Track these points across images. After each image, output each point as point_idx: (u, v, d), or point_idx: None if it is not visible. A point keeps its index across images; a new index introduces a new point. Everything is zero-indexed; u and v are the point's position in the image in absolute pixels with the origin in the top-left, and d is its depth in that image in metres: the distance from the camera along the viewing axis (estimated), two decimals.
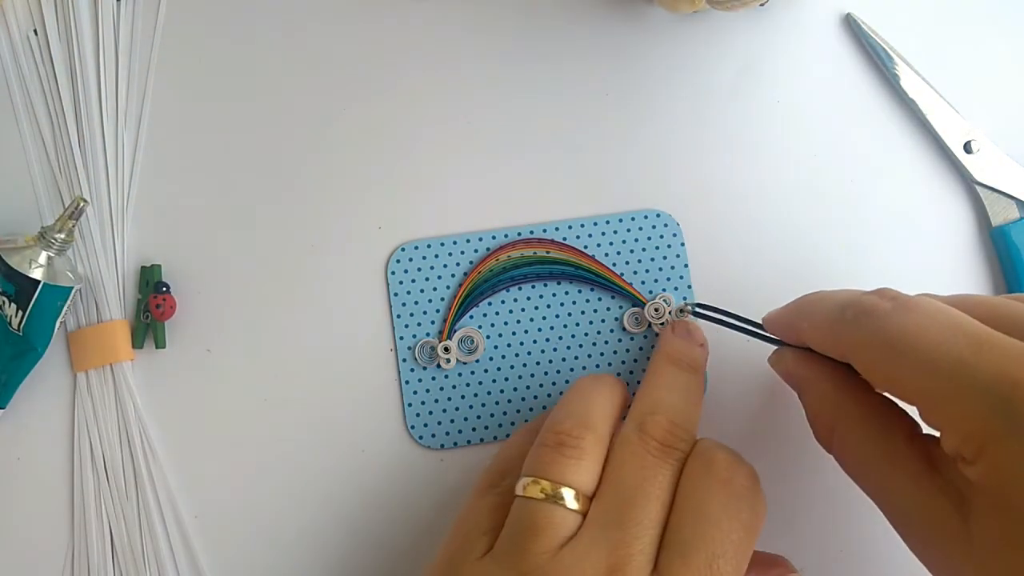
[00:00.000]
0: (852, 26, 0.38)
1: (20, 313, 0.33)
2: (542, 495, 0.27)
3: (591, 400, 0.30)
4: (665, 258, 0.36)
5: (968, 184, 0.37)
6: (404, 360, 0.35)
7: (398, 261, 0.36)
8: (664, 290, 0.36)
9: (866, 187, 0.37)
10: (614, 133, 0.37)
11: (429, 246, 0.36)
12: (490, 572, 0.27)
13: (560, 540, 0.27)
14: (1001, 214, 0.36)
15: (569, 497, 0.27)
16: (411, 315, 0.35)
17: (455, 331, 0.35)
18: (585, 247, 0.36)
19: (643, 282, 0.36)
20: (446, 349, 0.35)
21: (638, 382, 0.35)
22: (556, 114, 0.37)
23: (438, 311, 0.35)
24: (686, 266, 0.36)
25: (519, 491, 0.28)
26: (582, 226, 0.36)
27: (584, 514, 0.27)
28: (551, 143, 0.37)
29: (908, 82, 0.37)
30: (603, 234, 0.36)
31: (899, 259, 0.37)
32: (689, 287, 0.36)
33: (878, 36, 0.37)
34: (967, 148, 0.37)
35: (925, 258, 0.37)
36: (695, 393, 0.31)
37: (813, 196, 0.37)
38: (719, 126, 0.37)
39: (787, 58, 0.38)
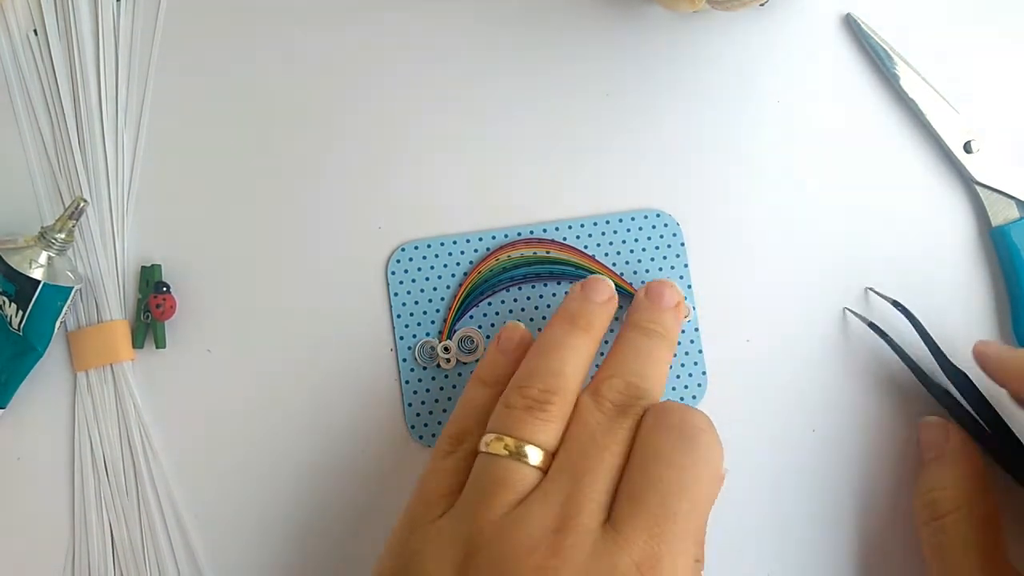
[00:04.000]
0: (852, 26, 0.38)
1: (20, 313, 0.33)
2: (506, 452, 0.28)
3: (560, 358, 0.30)
4: (665, 258, 0.36)
5: (968, 184, 0.37)
6: (404, 360, 0.35)
7: (398, 261, 0.36)
8: None
9: (866, 187, 0.37)
10: (614, 133, 0.37)
11: (429, 246, 0.36)
12: (446, 530, 0.28)
13: (519, 495, 0.27)
14: (1001, 214, 0.36)
15: (533, 454, 0.28)
16: (411, 315, 0.35)
17: (455, 331, 0.35)
18: (585, 247, 0.36)
19: (643, 282, 0.36)
20: (446, 349, 0.35)
21: None
22: (556, 114, 0.37)
23: (438, 311, 0.35)
24: (686, 266, 0.36)
25: (483, 447, 0.29)
26: (582, 226, 0.36)
27: (546, 471, 0.28)
28: (551, 143, 0.37)
29: (908, 82, 0.37)
30: (603, 234, 0.36)
31: (899, 259, 0.37)
32: (689, 287, 0.36)
33: (878, 36, 0.37)
34: (967, 148, 0.37)
35: (925, 258, 0.37)
36: (657, 354, 0.32)
37: (812, 195, 0.37)
38: (719, 126, 0.37)
39: (787, 58, 0.38)
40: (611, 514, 0.27)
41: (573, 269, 0.35)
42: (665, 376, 0.31)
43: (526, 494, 0.28)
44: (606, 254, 0.36)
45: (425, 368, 0.35)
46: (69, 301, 0.34)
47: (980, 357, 0.34)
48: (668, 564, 0.26)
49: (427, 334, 0.35)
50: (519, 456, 0.28)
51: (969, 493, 0.32)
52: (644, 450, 0.28)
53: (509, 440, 0.28)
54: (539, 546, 0.26)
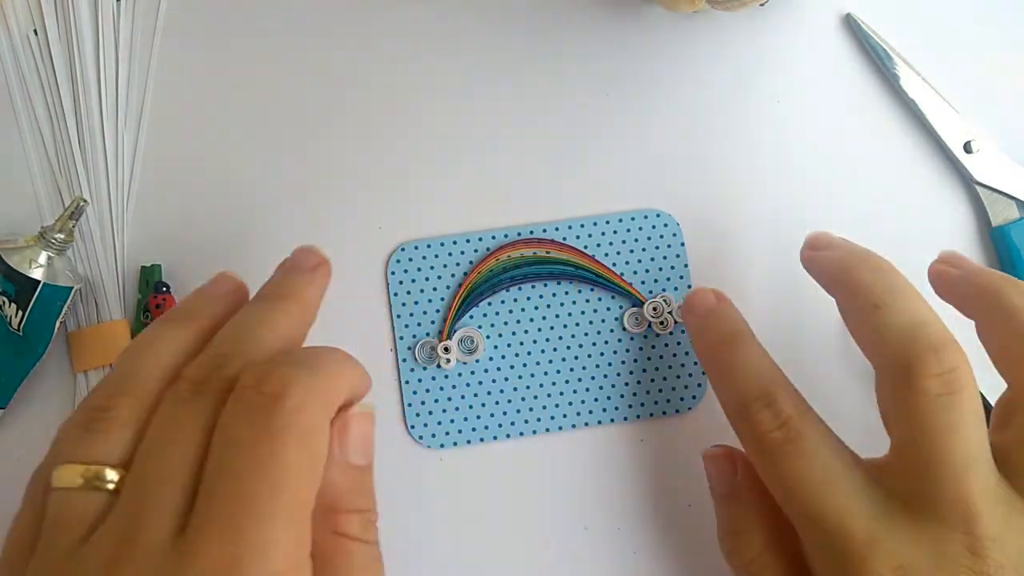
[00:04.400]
0: (852, 26, 0.38)
1: (20, 313, 0.33)
2: (80, 481, 0.23)
3: (134, 360, 0.26)
4: (665, 258, 0.36)
5: (968, 184, 0.37)
6: (404, 360, 0.35)
7: (398, 261, 0.36)
8: (664, 290, 0.36)
9: (866, 187, 0.37)
10: (614, 133, 0.37)
11: (429, 246, 0.36)
12: None
13: (86, 530, 0.23)
14: (1001, 214, 0.36)
15: (112, 477, 0.23)
16: (411, 315, 0.35)
17: (455, 331, 0.35)
18: (585, 247, 0.36)
19: (643, 282, 0.36)
20: (446, 349, 0.35)
21: (638, 382, 0.35)
22: (556, 114, 0.37)
23: (438, 311, 0.35)
24: (686, 266, 0.36)
25: (53, 483, 0.24)
26: (582, 226, 0.36)
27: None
28: (551, 143, 0.37)
29: (908, 82, 0.37)
30: (603, 234, 0.36)
31: (899, 259, 0.36)
32: (689, 287, 0.36)
33: (878, 36, 0.37)
34: (967, 148, 0.37)
35: (925, 258, 0.37)
36: (269, 315, 0.27)
37: (812, 196, 0.37)
38: (719, 126, 0.37)
39: (787, 58, 0.38)
40: (187, 523, 0.22)
41: (573, 269, 0.35)
42: (286, 335, 0.27)
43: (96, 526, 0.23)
44: (606, 254, 0.36)
45: (425, 368, 0.35)
46: (69, 301, 0.34)
47: (942, 278, 0.32)
48: (255, 564, 0.21)
49: (427, 334, 0.35)
50: (95, 482, 0.23)
51: (773, 530, 0.30)
52: (218, 434, 0.23)
53: (78, 467, 0.23)
54: None
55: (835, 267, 0.31)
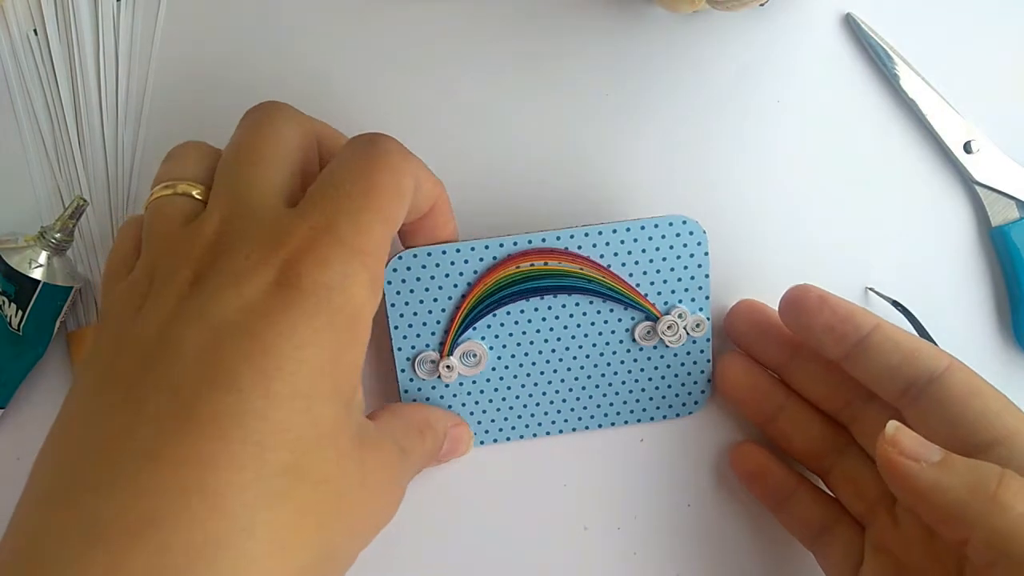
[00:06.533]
0: (852, 26, 0.38)
1: (20, 313, 0.33)
2: (168, 191, 0.28)
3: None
4: (686, 268, 0.34)
5: (968, 184, 0.37)
6: (403, 371, 0.34)
7: (395, 270, 0.33)
8: (680, 302, 0.34)
9: (866, 187, 0.37)
10: (614, 134, 0.37)
11: (429, 254, 0.33)
12: (132, 280, 0.27)
13: (185, 218, 0.27)
14: (1001, 214, 0.36)
15: (193, 190, 0.28)
16: (409, 326, 0.34)
17: (457, 345, 0.34)
18: (601, 256, 0.33)
19: (659, 292, 0.34)
20: (448, 367, 0.34)
21: (650, 399, 0.35)
22: (555, 114, 0.37)
23: (439, 323, 0.34)
24: (707, 276, 0.34)
25: (148, 200, 0.29)
26: (599, 233, 0.33)
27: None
28: (550, 143, 0.37)
29: (908, 82, 0.37)
30: (621, 242, 0.33)
31: (899, 259, 0.37)
32: (707, 298, 0.34)
33: (878, 36, 0.37)
34: (967, 148, 0.37)
35: (925, 258, 0.37)
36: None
37: (812, 196, 0.37)
38: (718, 127, 0.37)
39: (787, 58, 0.38)
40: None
41: (586, 282, 0.34)
42: None
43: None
44: (623, 264, 0.33)
45: (425, 380, 0.34)
46: (69, 301, 0.34)
47: (794, 304, 0.32)
48: (347, 229, 0.25)
49: (427, 346, 0.34)
50: (178, 192, 0.28)
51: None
52: (333, 158, 0.28)
53: (167, 184, 0.28)
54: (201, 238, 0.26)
55: None
